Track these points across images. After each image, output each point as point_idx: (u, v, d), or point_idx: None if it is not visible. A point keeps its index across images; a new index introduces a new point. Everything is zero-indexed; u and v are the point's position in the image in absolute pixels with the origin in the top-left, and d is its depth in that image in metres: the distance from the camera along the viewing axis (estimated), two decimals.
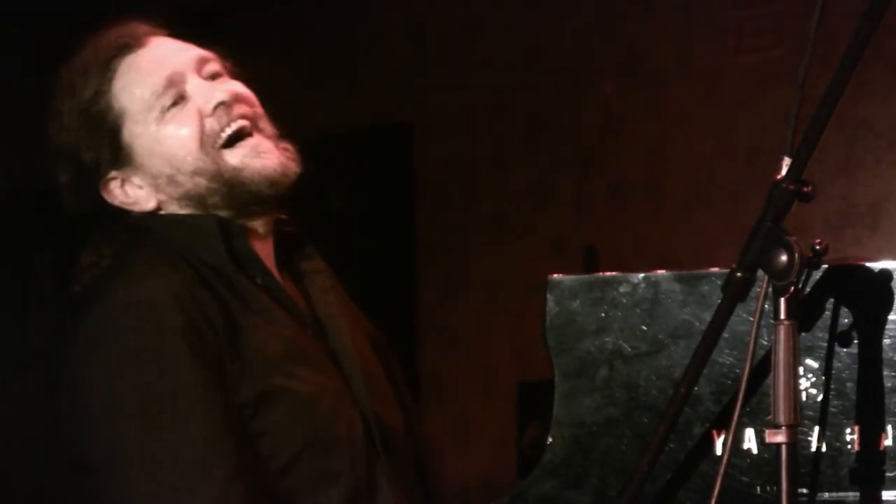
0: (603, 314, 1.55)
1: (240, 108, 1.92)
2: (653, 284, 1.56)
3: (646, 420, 1.58)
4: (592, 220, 5.52)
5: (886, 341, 1.54)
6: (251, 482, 1.82)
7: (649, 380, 1.58)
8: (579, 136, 5.64)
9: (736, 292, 1.45)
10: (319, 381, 1.86)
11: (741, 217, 3.36)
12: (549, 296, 1.59)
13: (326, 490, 1.82)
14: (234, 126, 1.89)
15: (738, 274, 1.43)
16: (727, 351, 1.58)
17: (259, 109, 1.96)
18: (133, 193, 1.93)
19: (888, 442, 1.55)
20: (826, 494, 1.55)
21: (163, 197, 1.93)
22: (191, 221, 1.92)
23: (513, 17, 5.80)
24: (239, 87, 1.96)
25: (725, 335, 1.49)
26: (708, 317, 1.46)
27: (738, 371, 1.54)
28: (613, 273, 1.60)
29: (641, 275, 1.57)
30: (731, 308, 1.45)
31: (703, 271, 1.57)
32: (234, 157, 1.89)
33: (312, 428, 1.83)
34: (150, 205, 1.93)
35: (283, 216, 1.98)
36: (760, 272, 1.41)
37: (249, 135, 1.90)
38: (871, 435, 1.54)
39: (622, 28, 5.61)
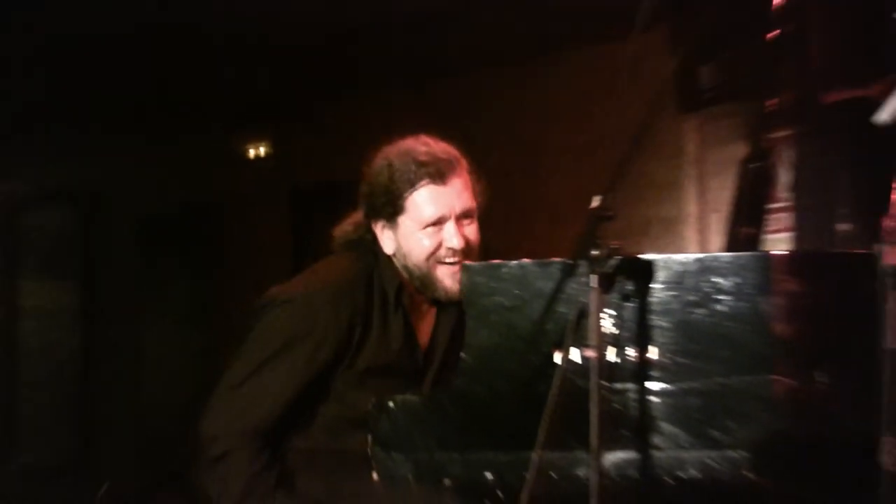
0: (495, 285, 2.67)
1: (460, 252, 3.19)
2: (521, 268, 2.70)
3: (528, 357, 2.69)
4: None
5: (654, 305, 2.65)
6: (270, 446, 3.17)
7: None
8: None
9: (566, 270, 2.61)
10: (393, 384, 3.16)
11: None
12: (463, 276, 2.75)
13: None
14: (450, 261, 3.20)
15: (572, 262, 2.59)
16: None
17: (474, 251, 3.25)
18: (384, 238, 3.30)
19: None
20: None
21: (393, 255, 3.29)
22: (392, 275, 3.30)
23: None
24: (472, 236, 3.24)
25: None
26: (551, 286, 2.62)
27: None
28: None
29: (514, 262, 2.70)
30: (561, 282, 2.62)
31: (555, 260, 2.67)
32: (442, 274, 3.23)
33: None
34: (388, 250, 3.28)
35: None
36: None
37: (454, 264, 3.19)
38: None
39: None
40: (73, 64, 7.18)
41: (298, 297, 3.21)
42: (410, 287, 3.28)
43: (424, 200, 3.16)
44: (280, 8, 6.28)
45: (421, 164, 3.16)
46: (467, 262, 2.91)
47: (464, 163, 3.25)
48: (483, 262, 2.77)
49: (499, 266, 2.70)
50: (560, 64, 7.02)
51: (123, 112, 8.34)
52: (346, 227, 3.42)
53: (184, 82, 7.78)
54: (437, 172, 3.16)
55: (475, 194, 3.26)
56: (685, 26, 3.97)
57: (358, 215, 3.38)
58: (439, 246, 3.18)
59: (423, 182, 3.15)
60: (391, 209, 3.20)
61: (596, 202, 2.49)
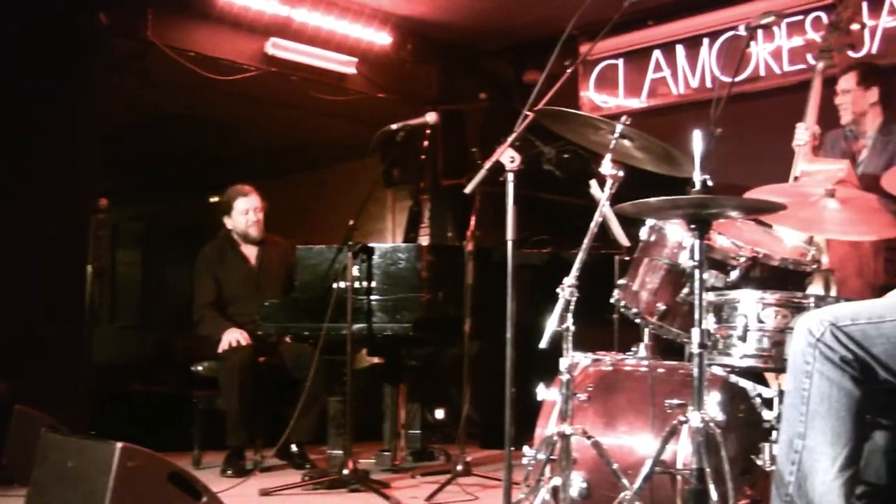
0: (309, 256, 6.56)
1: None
2: (320, 249, 6.57)
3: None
4: None
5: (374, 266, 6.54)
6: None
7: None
8: None
9: (339, 251, 6.50)
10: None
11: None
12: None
13: None
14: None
15: (340, 247, 6.51)
16: None
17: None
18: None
19: None
20: None
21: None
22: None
23: None
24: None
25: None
26: (332, 257, 6.46)
27: None
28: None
29: (317, 246, 6.59)
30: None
31: (333, 245, 6.55)
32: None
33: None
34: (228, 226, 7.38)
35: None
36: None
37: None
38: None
39: None
40: None
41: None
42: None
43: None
44: None
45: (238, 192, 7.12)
46: (300, 247, 6.67)
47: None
48: (306, 245, 6.59)
49: (311, 248, 6.57)
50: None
51: None
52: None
53: None
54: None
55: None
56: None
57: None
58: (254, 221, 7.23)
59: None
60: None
61: (352, 222, 6.32)
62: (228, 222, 7.49)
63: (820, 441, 3.23)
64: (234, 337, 6.96)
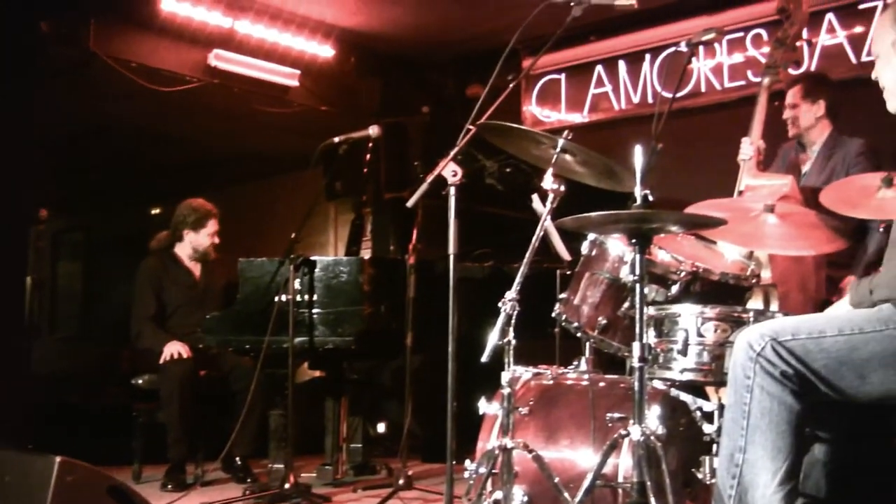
0: (250, 268, 6.53)
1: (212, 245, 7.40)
2: (261, 262, 6.54)
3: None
4: None
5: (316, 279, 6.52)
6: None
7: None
8: None
9: (280, 263, 6.46)
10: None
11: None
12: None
13: None
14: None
15: (282, 260, 6.47)
16: None
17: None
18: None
19: None
20: None
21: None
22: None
23: None
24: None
25: None
26: (273, 269, 6.43)
27: None
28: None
29: (258, 259, 6.55)
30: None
31: (276, 258, 6.53)
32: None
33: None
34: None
35: None
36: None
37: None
38: None
39: None
40: None
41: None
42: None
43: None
44: None
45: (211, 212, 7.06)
46: (241, 259, 6.64)
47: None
48: (248, 258, 6.56)
49: (252, 261, 6.54)
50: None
51: None
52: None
53: None
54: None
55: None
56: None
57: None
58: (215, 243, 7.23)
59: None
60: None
61: (294, 235, 6.31)
62: (188, 237, 7.46)
63: (760, 455, 3.27)
64: (174, 349, 6.92)
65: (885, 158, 5.32)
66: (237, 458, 7.00)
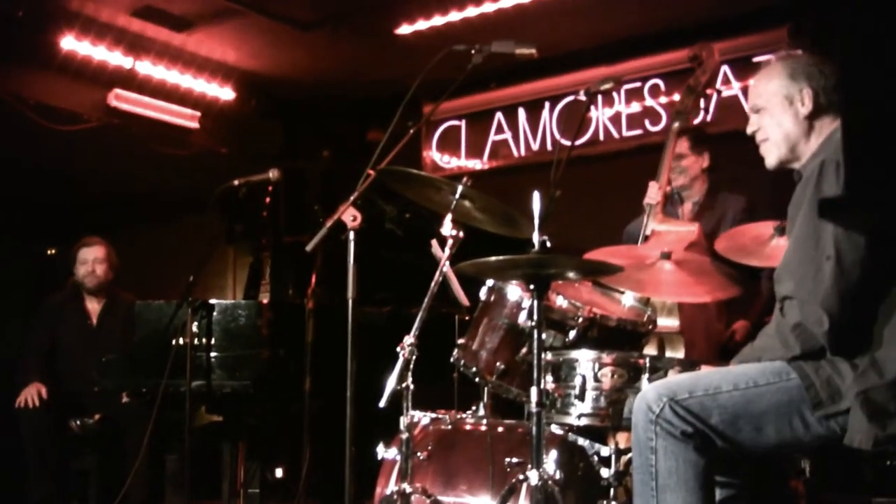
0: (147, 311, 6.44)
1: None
2: (159, 305, 6.46)
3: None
4: None
5: (215, 323, 6.48)
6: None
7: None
8: None
9: (178, 307, 6.39)
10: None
11: None
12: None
13: None
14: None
15: (180, 303, 6.40)
16: None
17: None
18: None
19: None
20: None
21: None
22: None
23: None
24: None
25: None
26: (171, 312, 6.36)
27: None
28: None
29: (156, 301, 6.47)
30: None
31: (173, 301, 6.46)
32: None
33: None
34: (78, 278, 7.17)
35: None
36: None
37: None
38: None
39: None
40: None
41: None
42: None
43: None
44: None
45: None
46: (138, 302, 6.56)
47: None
48: (145, 301, 6.48)
49: (149, 303, 6.46)
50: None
51: None
52: None
53: None
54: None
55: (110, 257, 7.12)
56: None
57: None
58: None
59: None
60: None
61: (192, 278, 6.26)
62: (77, 273, 7.51)
63: None
64: (30, 393, 6.95)
65: (759, 216, 5.41)
66: None
